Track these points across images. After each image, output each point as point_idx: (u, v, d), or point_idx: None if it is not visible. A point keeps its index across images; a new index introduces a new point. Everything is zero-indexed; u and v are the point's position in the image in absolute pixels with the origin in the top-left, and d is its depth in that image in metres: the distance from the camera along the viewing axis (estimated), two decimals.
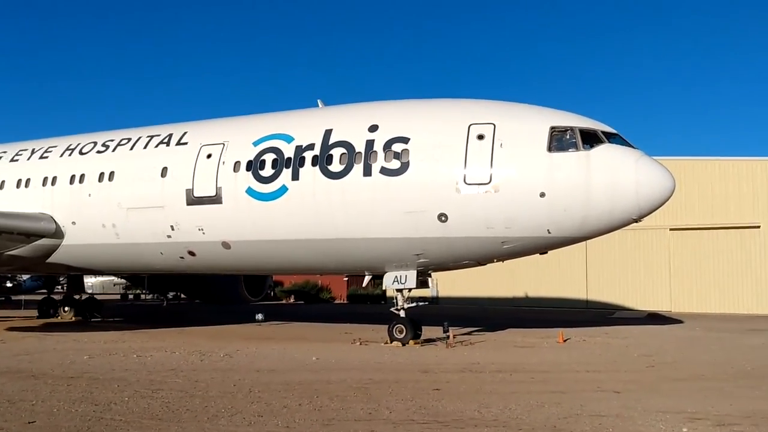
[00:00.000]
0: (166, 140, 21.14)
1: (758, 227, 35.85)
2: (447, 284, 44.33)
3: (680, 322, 28.03)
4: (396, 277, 17.91)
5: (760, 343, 18.56)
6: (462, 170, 16.31)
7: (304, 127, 18.79)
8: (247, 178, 18.70)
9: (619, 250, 39.06)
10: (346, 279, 21.14)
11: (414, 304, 18.06)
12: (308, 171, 17.86)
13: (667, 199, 16.05)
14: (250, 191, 18.59)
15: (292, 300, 56.08)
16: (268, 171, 18.43)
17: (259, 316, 26.52)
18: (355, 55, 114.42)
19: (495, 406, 8.99)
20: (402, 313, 17.82)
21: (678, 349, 16.90)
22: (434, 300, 45.30)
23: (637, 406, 9.01)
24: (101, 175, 21.48)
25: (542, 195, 15.89)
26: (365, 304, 46.35)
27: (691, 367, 13.34)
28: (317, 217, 17.78)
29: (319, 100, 20.62)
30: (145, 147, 21.40)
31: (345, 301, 54.97)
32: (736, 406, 9.12)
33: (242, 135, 19.63)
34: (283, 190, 18.11)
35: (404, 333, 17.34)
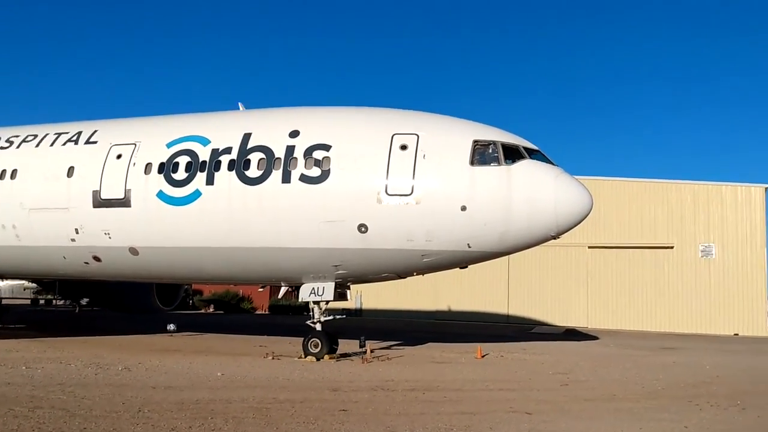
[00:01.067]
0: (74, 138, 19.93)
1: (671, 248, 37.09)
2: (371, 297, 44.02)
3: (596, 338, 28.51)
4: (313, 288, 17.32)
5: (671, 362, 18.89)
6: (384, 180, 15.92)
7: (222, 129, 18.01)
8: (158, 181, 17.75)
9: (540, 266, 39.66)
10: (261, 289, 20.44)
11: (331, 317, 17.48)
12: (224, 175, 17.09)
13: (585, 217, 16.12)
14: (162, 195, 17.64)
15: (211, 310, 54.33)
16: (181, 174, 17.55)
17: (171, 327, 25.44)
18: (278, 60, 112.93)
19: (401, 429, 8.52)
20: (318, 327, 17.25)
21: (592, 367, 16.95)
22: (358, 312, 44.87)
23: (547, 429, 8.73)
24: (3, 172, 20.13)
25: (463, 208, 15.68)
26: (287, 315, 45.36)
27: (604, 386, 13.29)
28: (232, 224, 17.01)
29: (240, 104, 19.88)
30: (51, 145, 20.12)
31: (266, 312, 53.73)
32: (645, 429, 8.97)
33: (156, 136, 18.68)
34: (197, 194, 17.25)
35: (319, 347, 16.74)
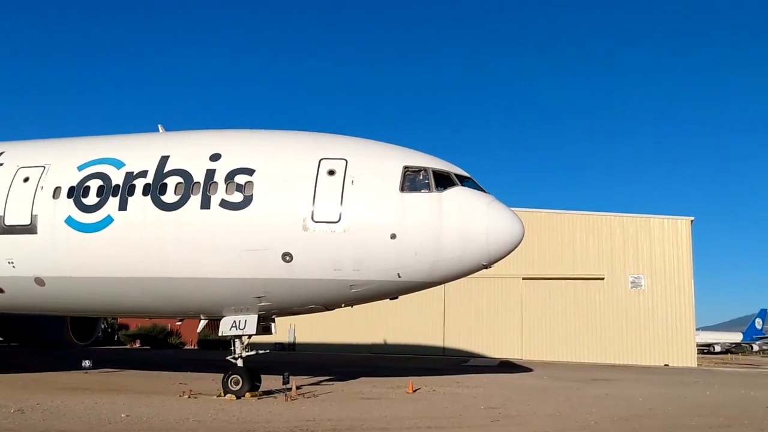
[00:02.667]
0: None
1: (602, 279, 37.49)
2: (305, 330, 42.93)
3: (530, 370, 28.23)
4: (234, 322, 16.30)
5: (603, 394, 18.60)
6: (310, 207, 15.15)
7: (138, 152, 16.99)
8: (67, 206, 16.52)
9: (476, 298, 39.51)
10: (179, 323, 19.09)
11: (253, 352, 16.44)
12: (138, 200, 16.01)
13: (516, 246, 15.71)
14: (71, 221, 16.39)
15: (137, 345, 52.13)
16: (92, 199, 16.38)
17: (86, 363, 23.87)
18: (202, 82, 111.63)
19: None
20: (239, 362, 16.21)
21: (524, 400, 16.45)
22: (291, 347, 43.61)
23: None
24: None
25: (393, 236, 15.04)
26: (217, 350, 43.60)
27: (536, 422, 12.75)
28: (146, 252, 15.88)
29: (159, 126, 18.85)
30: None
31: (196, 347, 51.71)
32: None
33: (66, 158, 17.48)
34: (108, 220, 16.09)
35: (240, 384, 15.68)
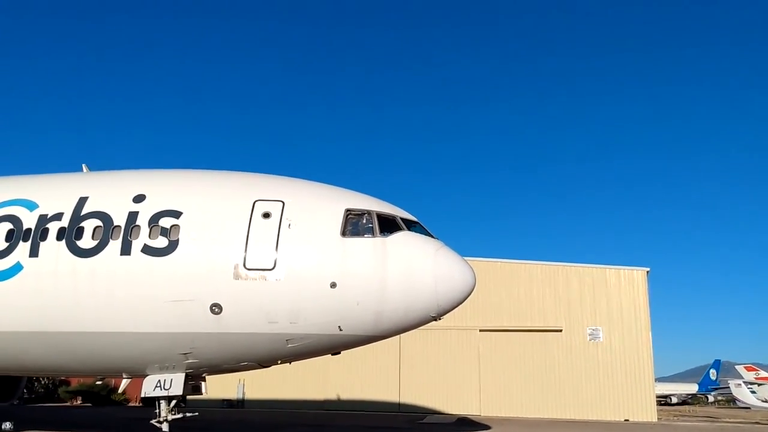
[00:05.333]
0: None
1: (560, 331, 36.59)
2: (255, 385, 40.95)
3: (488, 428, 26.85)
4: (159, 381, 14.74)
5: None
6: (242, 253, 13.86)
7: (53, 192, 15.65)
8: None
9: (432, 350, 38.23)
10: (99, 382, 17.43)
11: (180, 416, 14.84)
12: (51, 246, 14.55)
13: (468, 296, 14.56)
14: None
15: (78, 402, 49.25)
16: (0, 244, 14.82)
17: (7, 425, 21.79)
18: (125, 120, 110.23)
19: None
20: (165, 427, 14.62)
21: None
22: (240, 403, 41.42)
23: None
24: None
25: (333, 285, 13.79)
26: None
27: None
28: (59, 303, 14.35)
29: (84, 165, 17.52)
30: None
31: (140, 404, 49.06)
32: None
33: None
34: (17, 268, 14.59)
35: None
